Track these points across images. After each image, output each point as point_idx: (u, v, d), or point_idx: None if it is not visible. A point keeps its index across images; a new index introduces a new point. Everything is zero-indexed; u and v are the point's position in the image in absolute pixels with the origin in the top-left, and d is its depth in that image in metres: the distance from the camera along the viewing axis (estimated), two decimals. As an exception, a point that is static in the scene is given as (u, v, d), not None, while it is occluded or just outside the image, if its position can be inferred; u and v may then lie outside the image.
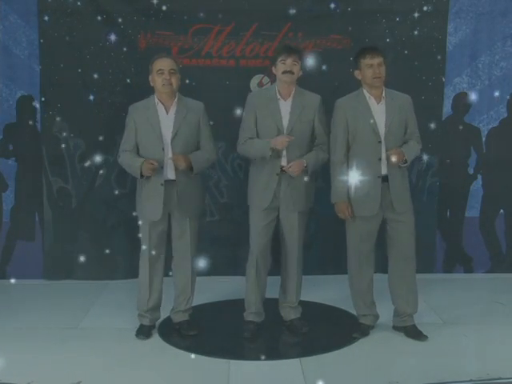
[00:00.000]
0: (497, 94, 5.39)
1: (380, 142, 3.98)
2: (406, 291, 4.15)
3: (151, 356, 3.97)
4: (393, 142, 3.97)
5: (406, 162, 3.99)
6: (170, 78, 3.99)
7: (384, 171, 4.00)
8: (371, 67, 3.94)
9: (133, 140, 4.07)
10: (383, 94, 4.02)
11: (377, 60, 3.93)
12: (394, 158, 3.92)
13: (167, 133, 4.03)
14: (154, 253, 4.14)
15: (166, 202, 4.03)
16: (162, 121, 4.04)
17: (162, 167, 4.00)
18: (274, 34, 5.22)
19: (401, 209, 4.04)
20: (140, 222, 4.19)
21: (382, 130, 3.99)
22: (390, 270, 4.19)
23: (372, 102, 4.02)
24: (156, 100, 4.07)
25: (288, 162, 4.06)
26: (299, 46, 4.39)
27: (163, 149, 4.01)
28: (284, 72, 4.01)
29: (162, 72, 3.99)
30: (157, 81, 4.01)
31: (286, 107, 4.09)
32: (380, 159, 3.99)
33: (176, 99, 4.08)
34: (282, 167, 4.07)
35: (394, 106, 4.01)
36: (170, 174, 4.04)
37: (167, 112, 4.06)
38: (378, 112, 4.00)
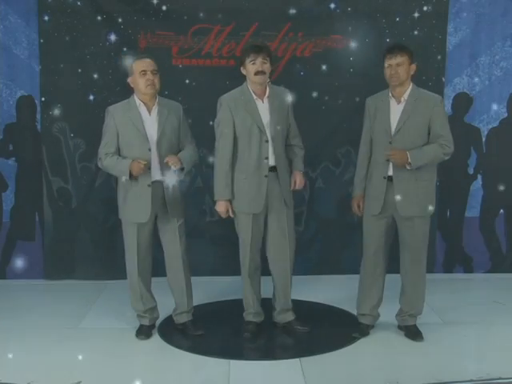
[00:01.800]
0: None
1: (390, 142, 3.95)
2: (410, 293, 4.15)
3: (151, 356, 3.98)
4: (403, 144, 3.90)
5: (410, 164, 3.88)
6: (153, 79, 3.96)
7: (391, 172, 3.97)
8: (389, 67, 3.92)
9: (115, 142, 4.01)
10: (405, 95, 3.96)
11: (395, 60, 3.89)
12: (392, 159, 3.89)
13: (152, 133, 4.01)
14: (141, 256, 4.12)
15: (153, 203, 4.01)
16: (146, 121, 4.01)
17: (150, 168, 3.97)
18: (273, 34, 5.21)
19: (405, 213, 3.98)
20: (124, 226, 4.14)
21: (393, 131, 3.96)
22: (400, 270, 4.18)
23: (392, 101, 3.99)
24: (138, 101, 4.03)
25: (277, 163, 4.05)
26: (266, 44, 4.29)
27: (149, 149, 3.99)
28: (256, 73, 3.97)
29: (145, 73, 3.95)
30: (140, 82, 3.96)
31: (264, 107, 4.05)
32: (388, 160, 3.96)
33: (157, 100, 4.06)
34: (269, 168, 4.05)
35: (413, 108, 3.93)
36: (157, 174, 4.02)
37: (149, 113, 4.03)
38: (395, 113, 3.97)
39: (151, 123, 4.02)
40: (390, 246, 4.15)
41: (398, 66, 3.90)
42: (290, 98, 4.15)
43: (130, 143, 3.99)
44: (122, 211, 4.13)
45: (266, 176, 4.05)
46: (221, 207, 4.10)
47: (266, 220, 4.16)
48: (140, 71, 3.95)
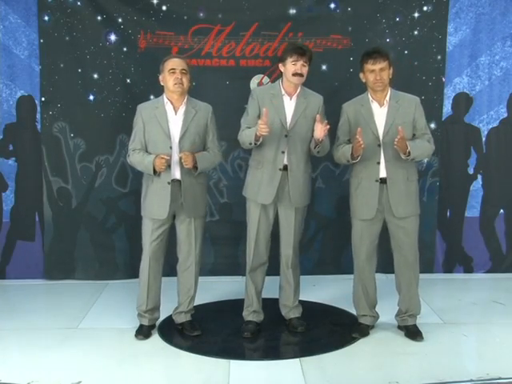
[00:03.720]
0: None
1: (379, 145, 3.98)
2: (407, 293, 4.16)
3: (151, 356, 3.97)
4: (392, 146, 3.92)
5: (409, 154, 3.88)
6: (181, 78, 4.02)
7: (383, 174, 4.00)
8: (373, 72, 3.95)
9: (141, 139, 4.09)
10: (387, 98, 4.02)
11: (379, 65, 3.93)
12: (399, 136, 3.82)
13: (175, 132, 4.05)
14: (154, 254, 4.14)
15: (172, 201, 4.05)
16: (171, 120, 4.06)
17: (170, 166, 4.01)
18: (274, 34, 5.22)
19: (401, 214, 4.00)
20: (143, 222, 4.19)
21: (381, 133, 3.99)
22: (395, 272, 4.21)
23: (375, 105, 4.03)
24: (165, 99, 4.10)
25: (289, 160, 4.08)
26: (309, 48, 4.29)
27: (171, 147, 4.03)
28: (294, 74, 4.04)
29: (174, 71, 4.02)
30: (168, 80, 4.04)
31: (290, 104, 4.13)
32: (378, 163, 3.99)
33: (185, 99, 4.11)
34: (284, 165, 4.09)
35: (396, 110, 3.99)
36: (177, 173, 4.06)
37: (176, 112, 4.09)
38: (380, 116, 4.01)
39: (176, 122, 4.07)
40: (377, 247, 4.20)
41: (381, 71, 3.95)
42: (321, 103, 4.16)
43: (154, 140, 4.06)
44: (142, 207, 4.19)
45: (280, 169, 4.10)
46: (261, 131, 3.92)
47: (278, 217, 4.23)
48: (169, 69, 4.03)
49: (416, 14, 5.24)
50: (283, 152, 4.09)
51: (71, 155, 5.33)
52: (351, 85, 5.13)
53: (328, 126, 3.96)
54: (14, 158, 5.40)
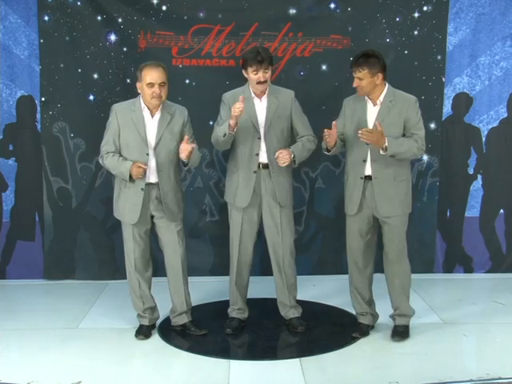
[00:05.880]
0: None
1: (367, 143, 3.97)
2: (391, 291, 4.17)
3: (151, 356, 3.98)
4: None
5: (386, 149, 3.85)
6: (159, 92, 3.95)
7: (368, 172, 4.00)
8: (354, 78, 3.98)
9: (116, 141, 4.04)
10: (380, 98, 4.00)
11: (355, 74, 3.94)
12: (368, 140, 3.82)
13: (151, 138, 4.03)
14: (138, 255, 4.14)
15: (146, 205, 4.04)
16: (148, 125, 4.03)
17: (145, 172, 3.98)
18: (274, 34, 5.22)
19: (384, 213, 4.01)
20: (122, 224, 4.18)
21: None
22: (384, 269, 4.21)
23: (369, 104, 4.04)
24: (142, 105, 4.04)
25: (268, 159, 4.11)
26: (268, 51, 4.22)
27: (147, 154, 4.00)
28: (258, 83, 4.05)
29: (152, 85, 3.94)
30: (146, 93, 3.97)
31: (261, 105, 4.14)
32: (365, 160, 3.99)
33: (161, 106, 4.06)
34: (259, 164, 4.11)
35: (388, 110, 3.98)
36: (152, 177, 4.03)
37: (152, 116, 4.05)
38: (371, 115, 4.02)
39: (152, 127, 4.04)
40: (375, 245, 4.20)
41: (359, 80, 3.95)
42: (292, 98, 4.17)
43: (130, 145, 4.02)
44: (115, 209, 4.19)
45: (254, 172, 4.11)
46: (232, 122, 3.96)
47: (262, 217, 4.24)
48: (147, 83, 3.95)
49: (416, 14, 5.24)
50: (257, 154, 4.10)
51: (71, 155, 5.33)
52: (351, 85, 5.13)
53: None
54: (13, 158, 5.40)
